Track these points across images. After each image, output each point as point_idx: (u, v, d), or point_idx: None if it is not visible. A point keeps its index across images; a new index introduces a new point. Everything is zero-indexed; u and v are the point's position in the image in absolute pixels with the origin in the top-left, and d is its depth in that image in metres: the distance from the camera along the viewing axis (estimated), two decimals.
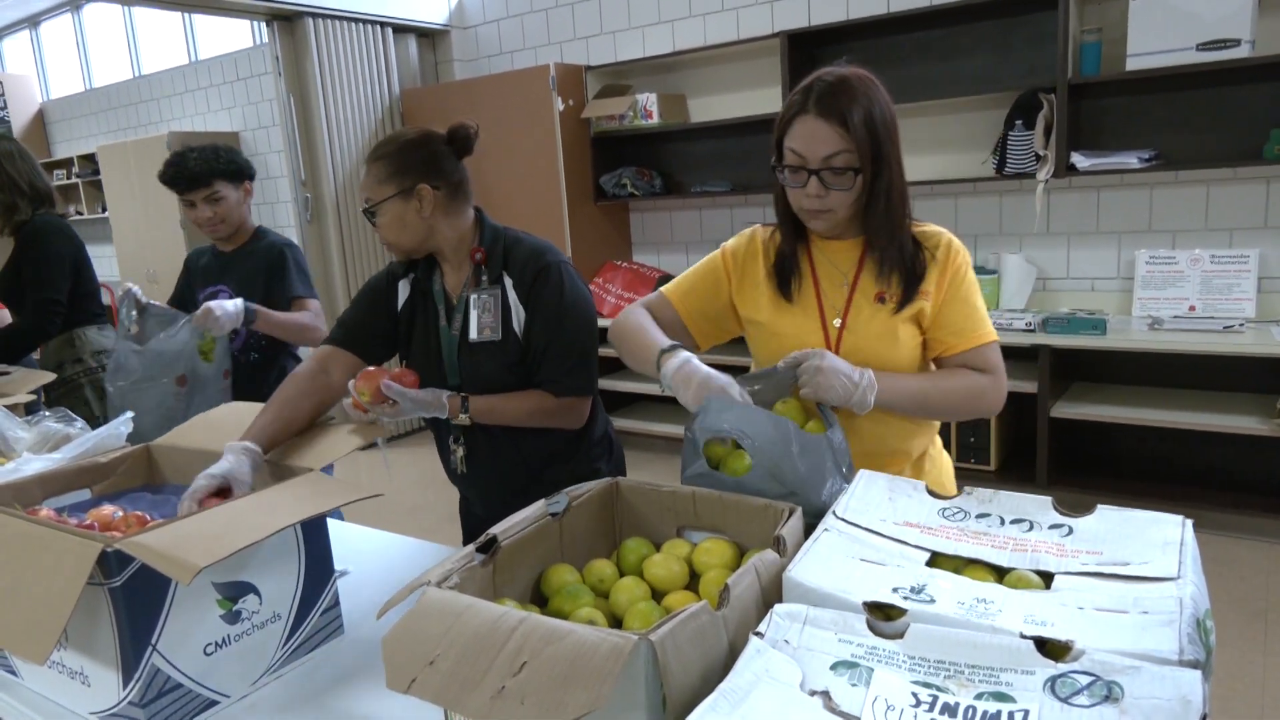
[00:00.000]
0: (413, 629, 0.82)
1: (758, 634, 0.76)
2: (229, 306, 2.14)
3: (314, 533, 1.23)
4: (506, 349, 1.62)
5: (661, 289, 1.56)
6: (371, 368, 1.57)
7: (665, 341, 1.37)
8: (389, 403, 1.51)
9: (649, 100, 4.53)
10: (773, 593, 0.89)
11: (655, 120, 4.54)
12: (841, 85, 1.32)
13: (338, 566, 1.40)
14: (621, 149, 4.89)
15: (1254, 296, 3.34)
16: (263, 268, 2.36)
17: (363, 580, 1.48)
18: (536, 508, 1.07)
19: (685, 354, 1.32)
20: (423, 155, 1.61)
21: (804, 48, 4.13)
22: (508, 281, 1.63)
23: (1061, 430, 3.57)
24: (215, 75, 6.99)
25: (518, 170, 4.86)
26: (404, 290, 1.72)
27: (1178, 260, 3.47)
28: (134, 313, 2.15)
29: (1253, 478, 3.41)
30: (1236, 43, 3.06)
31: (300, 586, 1.21)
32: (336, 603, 1.27)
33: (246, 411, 1.54)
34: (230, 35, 6.86)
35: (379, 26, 5.12)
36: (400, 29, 5.28)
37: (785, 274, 1.46)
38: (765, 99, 4.35)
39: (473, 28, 5.49)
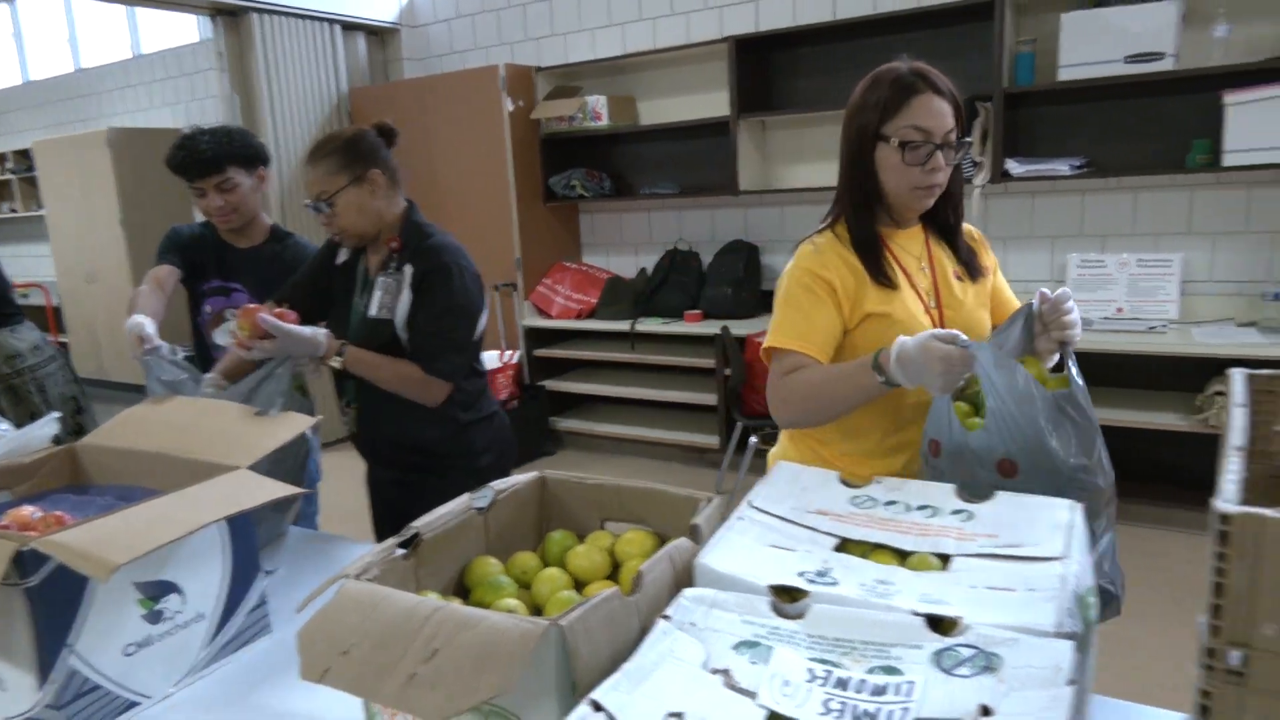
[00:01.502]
0: (329, 620, 0.83)
1: (665, 617, 0.79)
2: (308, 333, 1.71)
3: (240, 531, 1.23)
4: (388, 330, 1.78)
5: (787, 348, 1.41)
6: (251, 304, 1.70)
7: (866, 359, 1.31)
8: (267, 338, 1.64)
9: (598, 102, 4.56)
10: (686, 579, 0.91)
11: (604, 122, 4.57)
12: (932, 70, 1.40)
13: (270, 566, 1.39)
14: (571, 150, 4.91)
15: (1177, 299, 3.48)
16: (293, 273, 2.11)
17: (294, 580, 1.47)
18: (460, 502, 1.08)
19: (897, 343, 1.26)
20: (367, 145, 1.79)
21: (752, 52, 4.19)
22: (409, 270, 1.78)
23: None
24: (158, 70, 6.85)
25: (467, 170, 4.85)
26: (343, 254, 1.93)
27: (1106, 264, 3.60)
28: (163, 377, 1.75)
29: (1176, 472, 3.55)
30: (1161, 56, 3.18)
31: (225, 585, 1.21)
32: (263, 602, 1.27)
33: (177, 407, 1.53)
34: (174, 29, 6.72)
35: (327, 24, 5.07)
36: (349, 26, 5.24)
37: (878, 263, 1.44)
38: (713, 103, 4.40)
39: (423, 26, 5.46)
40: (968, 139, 1.42)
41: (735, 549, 0.91)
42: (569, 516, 1.16)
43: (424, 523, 1.02)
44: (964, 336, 1.21)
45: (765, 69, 4.29)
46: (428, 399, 1.77)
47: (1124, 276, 3.57)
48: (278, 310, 1.69)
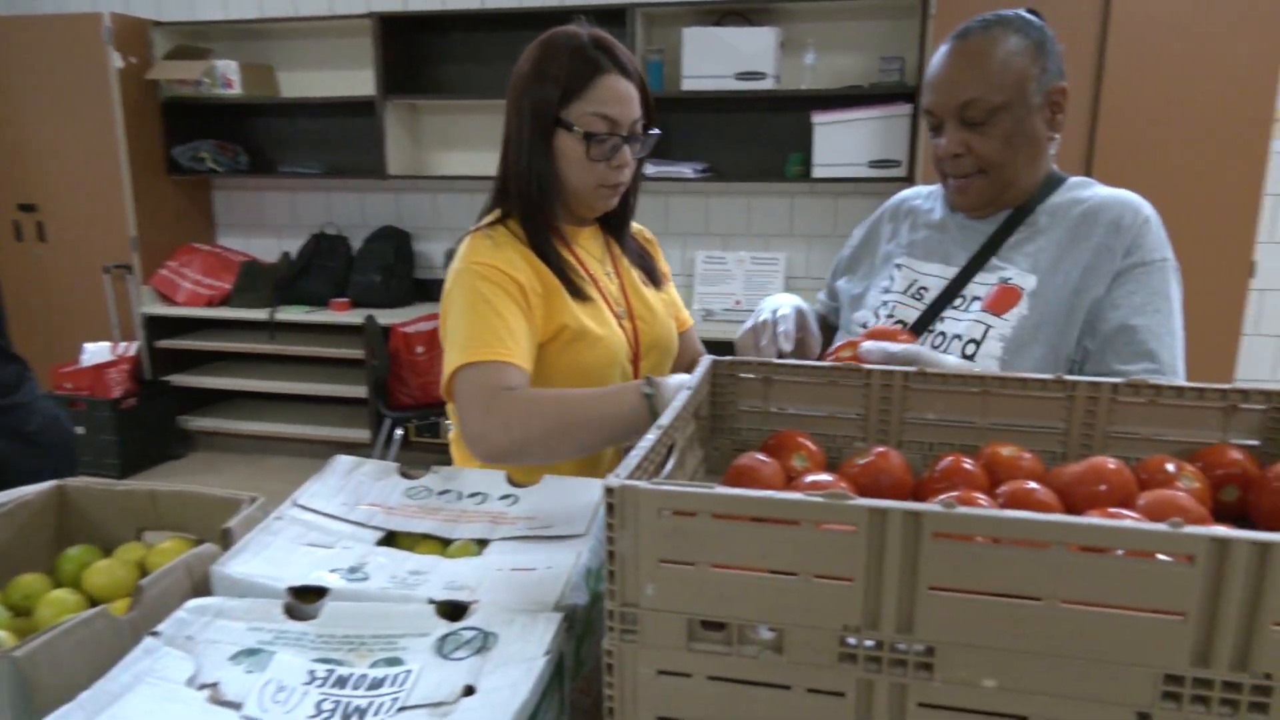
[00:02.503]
0: None
1: (154, 634, 0.72)
2: None
3: None
4: None
5: (486, 359, 1.13)
6: None
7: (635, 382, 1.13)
8: None
9: (229, 68, 4.15)
10: (208, 589, 0.84)
11: (237, 90, 4.17)
12: (617, 43, 1.21)
13: None
14: (200, 119, 4.42)
15: (782, 293, 3.96)
16: None
17: None
18: None
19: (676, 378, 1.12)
20: None
21: (399, 32, 4.06)
22: None
23: None
24: None
25: (66, 132, 4.18)
26: None
27: (726, 260, 3.99)
28: None
29: None
30: (764, 76, 3.58)
31: None
32: None
33: None
34: None
35: None
36: None
37: (564, 270, 1.24)
38: (359, 80, 4.20)
39: None
40: (655, 130, 1.25)
41: (265, 551, 0.86)
42: (97, 530, 1.03)
43: None
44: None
45: (413, 50, 4.19)
46: None
47: (741, 272, 3.99)
48: None
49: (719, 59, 3.59)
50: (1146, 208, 1.17)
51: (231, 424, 4.39)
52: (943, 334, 1.20)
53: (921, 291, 1.26)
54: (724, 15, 3.75)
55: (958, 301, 1.21)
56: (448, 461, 1.28)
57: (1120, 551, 0.45)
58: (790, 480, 0.71)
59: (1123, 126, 3.07)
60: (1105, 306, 1.13)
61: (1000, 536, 0.46)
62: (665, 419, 0.64)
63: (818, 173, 3.63)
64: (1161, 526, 0.44)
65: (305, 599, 0.79)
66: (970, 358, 1.14)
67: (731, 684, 0.52)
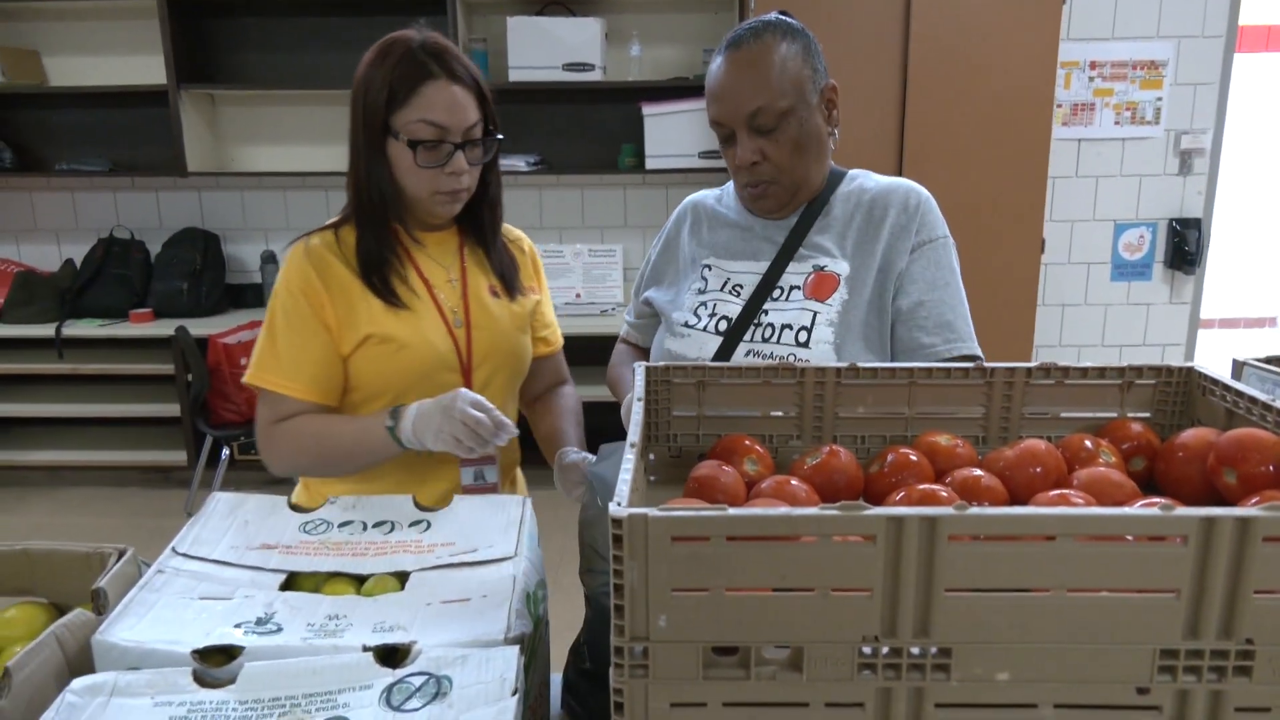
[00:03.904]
0: None
1: None
2: None
3: None
4: None
5: (270, 389, 1.23)
6: None
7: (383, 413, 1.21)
8: None
9: None
10: (86, 664, 0.73)
11: None
12: (451, 48, 1.23)
13: None
14: None
15: (621, 284, 3.98)
16: None
17: None
18: None
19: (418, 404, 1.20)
20: None
21: (189, 16, 3.72)
22: None
23: None
24: None
25: None
26: None
27: (564, 254, 3.96)
28: None
29: None
30: (591, 67, 3.57)
31: None
32: None
33: None
34: None
35: None
36: None
37: (387, 279, 1.25)
38: (145, 68, 3.81)
39: None
40: (498, 135, 1.29)
41: (152, 612, 0.76)
42: None
43: None
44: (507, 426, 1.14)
45: (207, 36, 3.85)
46: None
47: (579, 265, 3.97)
48: None
49: (545, 50, 3.54)
50: (924, 190, 1.27)
51: (18, 455, 3.87)
52: (771, 325, 1.21)
53: (738, 288, 1.27)
54: (546, 5, 3.70)
55: (776, 293, 1.23)
56: (278, 477, 1.34)
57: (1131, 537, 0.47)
58: (749, 486, 0.71)
59: (927, 125, 3.31)
60: (905, 280, 1.21)
61: (1013, 534, 0.47)
62: (634, 436, 0.61)
63: (650, 164, 3.67)
64: (1155, 511, 0.47)
65: (214, 661, 0.70)
66: (804, 344, 1.17)
67: (748, 708, 0.50)
